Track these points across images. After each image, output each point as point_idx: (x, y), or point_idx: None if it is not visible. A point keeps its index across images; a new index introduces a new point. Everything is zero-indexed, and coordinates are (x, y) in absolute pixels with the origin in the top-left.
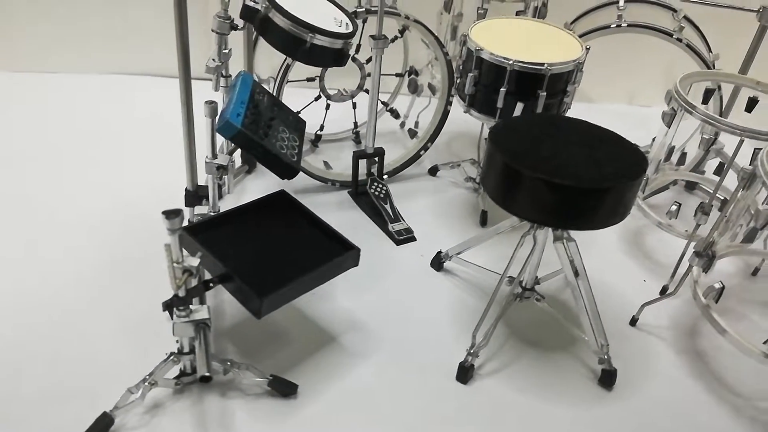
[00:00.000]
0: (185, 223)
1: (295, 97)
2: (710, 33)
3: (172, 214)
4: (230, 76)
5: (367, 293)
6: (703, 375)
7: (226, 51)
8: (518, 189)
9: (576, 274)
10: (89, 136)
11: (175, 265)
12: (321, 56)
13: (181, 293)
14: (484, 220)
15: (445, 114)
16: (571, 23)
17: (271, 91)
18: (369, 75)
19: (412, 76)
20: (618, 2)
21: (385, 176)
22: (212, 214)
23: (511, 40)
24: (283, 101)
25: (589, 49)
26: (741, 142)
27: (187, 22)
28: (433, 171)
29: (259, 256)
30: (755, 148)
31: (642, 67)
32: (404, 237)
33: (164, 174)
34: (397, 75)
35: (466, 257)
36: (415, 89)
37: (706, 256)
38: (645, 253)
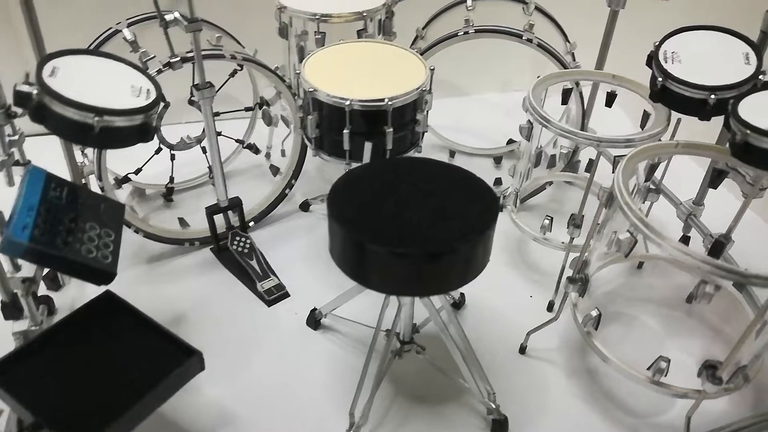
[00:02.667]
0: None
1: (130, 152)
2: (566, 21)
3: None
4: (30, 161)
5: (239, 372)
6: (596, 397)
7: (15, 137)
8: (363, 260)
9: (447, 326)
10: None
11: None
12: (118, 138)
13: None
14: None
15: (304, 147)
16: (423, 29)
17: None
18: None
19: (264, 107)
20: (466, 1)
21: (251, 223)
22: (34, 328)
23: (349, 73)
24: (90, 187)
25: (433, 69)
26: (599, 155)
27: None
28: (305, 206)
29: (81, 388)
30: (615, 157)
31: (510, 53)
32: (275, 296)
33: None
34: (246, 109)
35: (343, 312)
36: (270, 121)
37: (580, 281)
38: (529, 264)
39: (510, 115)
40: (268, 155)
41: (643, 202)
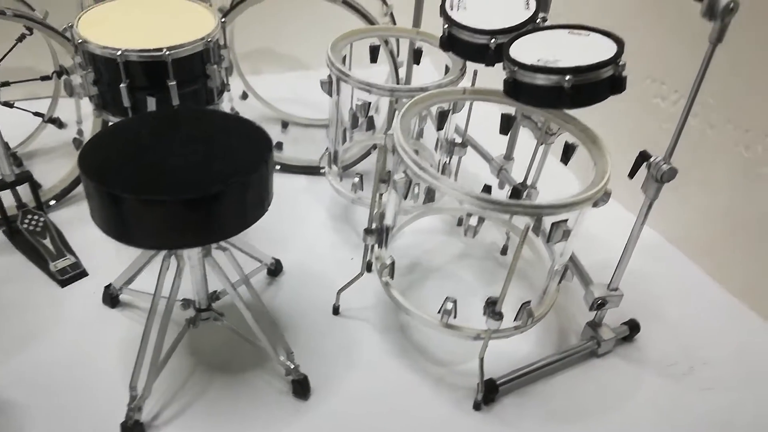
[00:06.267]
0: None
1: None
2: None
3: None
4: None
5: (17, 358)
6: (406, 351)
7: None
8: (121, 214)
9: (235, 286)
10: None
11: None
12: None
13: None
14: None
15: None
16: None
17: None
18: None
19: (64, 76)
20: None
21: (51, 202)
22: None
23: (129, 25)
24: None
25: (224, 21)
26: (391, 103)
27: None
28: None
29: None
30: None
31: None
32: (70, 275)
33: None
34: (42, 79)
35: (143, 285)
36: (72, 91)
37: (376, 231)
38: (354, 226)
39: None
40: (80, 131)
41: (450, 158)
